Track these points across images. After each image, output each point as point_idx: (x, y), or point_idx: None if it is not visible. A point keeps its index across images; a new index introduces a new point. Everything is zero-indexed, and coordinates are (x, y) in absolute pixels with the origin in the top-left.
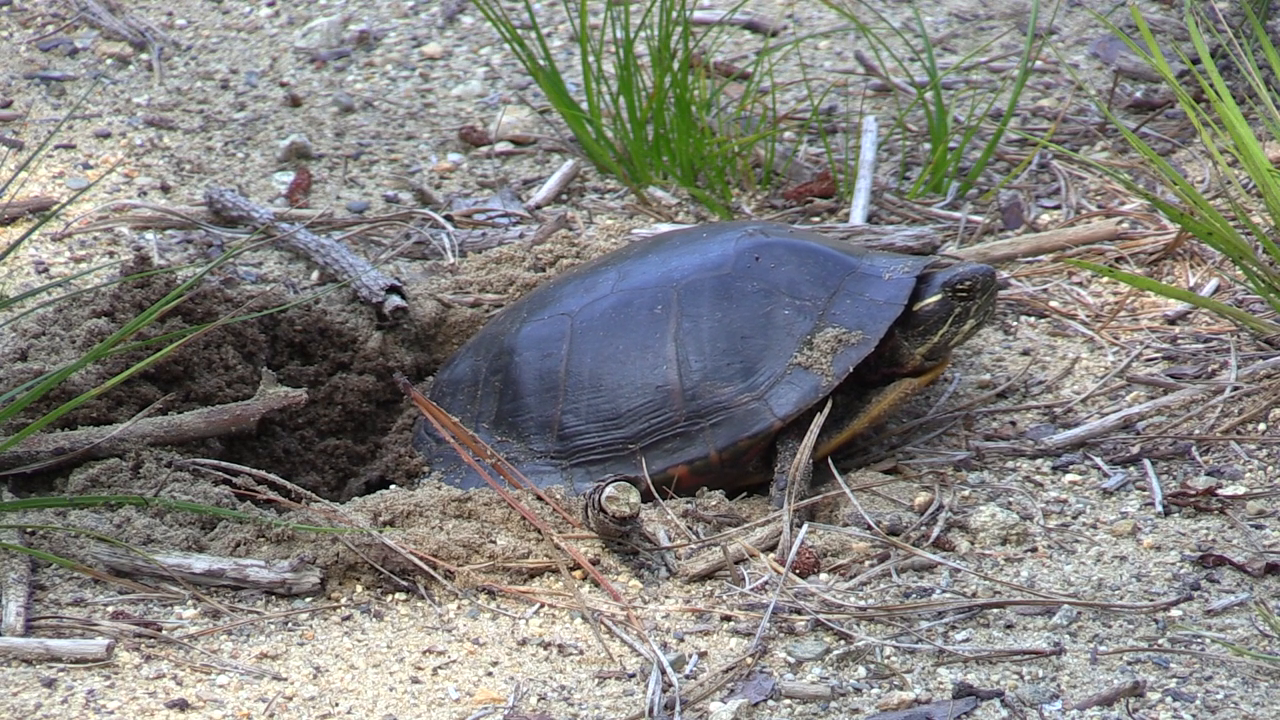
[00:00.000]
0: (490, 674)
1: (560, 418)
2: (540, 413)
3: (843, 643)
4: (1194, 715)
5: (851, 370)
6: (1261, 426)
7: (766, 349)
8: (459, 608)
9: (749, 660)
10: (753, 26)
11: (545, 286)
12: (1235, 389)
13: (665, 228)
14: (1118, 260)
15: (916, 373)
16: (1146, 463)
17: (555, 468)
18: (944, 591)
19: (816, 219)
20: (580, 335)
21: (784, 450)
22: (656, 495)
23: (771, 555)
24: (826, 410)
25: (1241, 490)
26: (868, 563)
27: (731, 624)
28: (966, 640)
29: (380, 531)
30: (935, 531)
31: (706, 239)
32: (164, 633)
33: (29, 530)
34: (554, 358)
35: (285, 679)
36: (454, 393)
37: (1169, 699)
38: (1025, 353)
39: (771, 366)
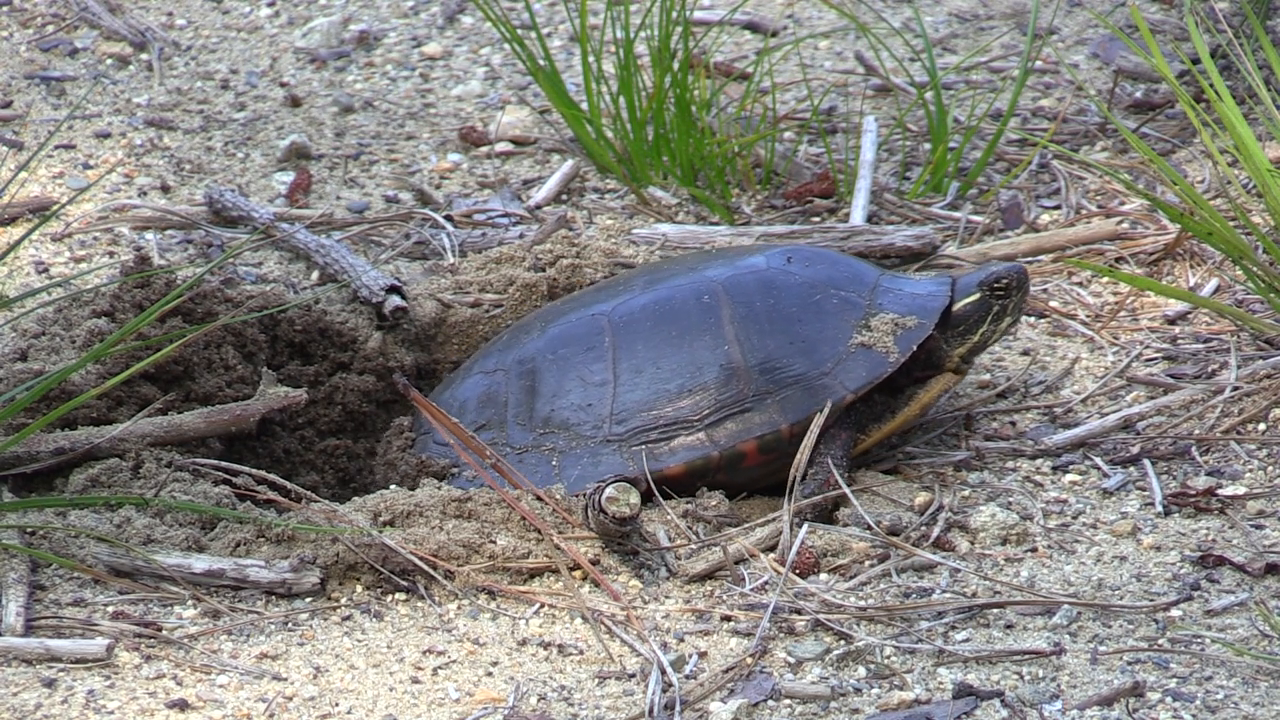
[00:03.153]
0: (490, 674)
1: (615, 402)
2: (589, 401)
3: (843, 643)
4: (1194, 715)
5: (915, 349)
6: (1261, 426)
7: (824, 330)
8: (459, 608)
9: (749, 660)
10: (753, 26)
11: (549, 306)
12: (1235, 389)
13: (665, 228)
14: (1118, 260)
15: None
16: (1146, 463)
17: (614, 450)
18: (944, 591)
19: (816, 219)
20: (623, 327)
21: (827, 446)
22: (657, 495)
23: (771, 555)
24: (827, 409)
25: (1241, 490)
26: (868, 563)
27: (731, 624)
28: (966, 640)
29: (380, 531)
30: (935, 531)
31: (724, 254)
32: (164, 633)
33: (29, 530)
34: (598, 349)
35: (285, 679)
36: (464, 406)
37: (1169, 699)
38: (1025, 353)
39: (833, 346)
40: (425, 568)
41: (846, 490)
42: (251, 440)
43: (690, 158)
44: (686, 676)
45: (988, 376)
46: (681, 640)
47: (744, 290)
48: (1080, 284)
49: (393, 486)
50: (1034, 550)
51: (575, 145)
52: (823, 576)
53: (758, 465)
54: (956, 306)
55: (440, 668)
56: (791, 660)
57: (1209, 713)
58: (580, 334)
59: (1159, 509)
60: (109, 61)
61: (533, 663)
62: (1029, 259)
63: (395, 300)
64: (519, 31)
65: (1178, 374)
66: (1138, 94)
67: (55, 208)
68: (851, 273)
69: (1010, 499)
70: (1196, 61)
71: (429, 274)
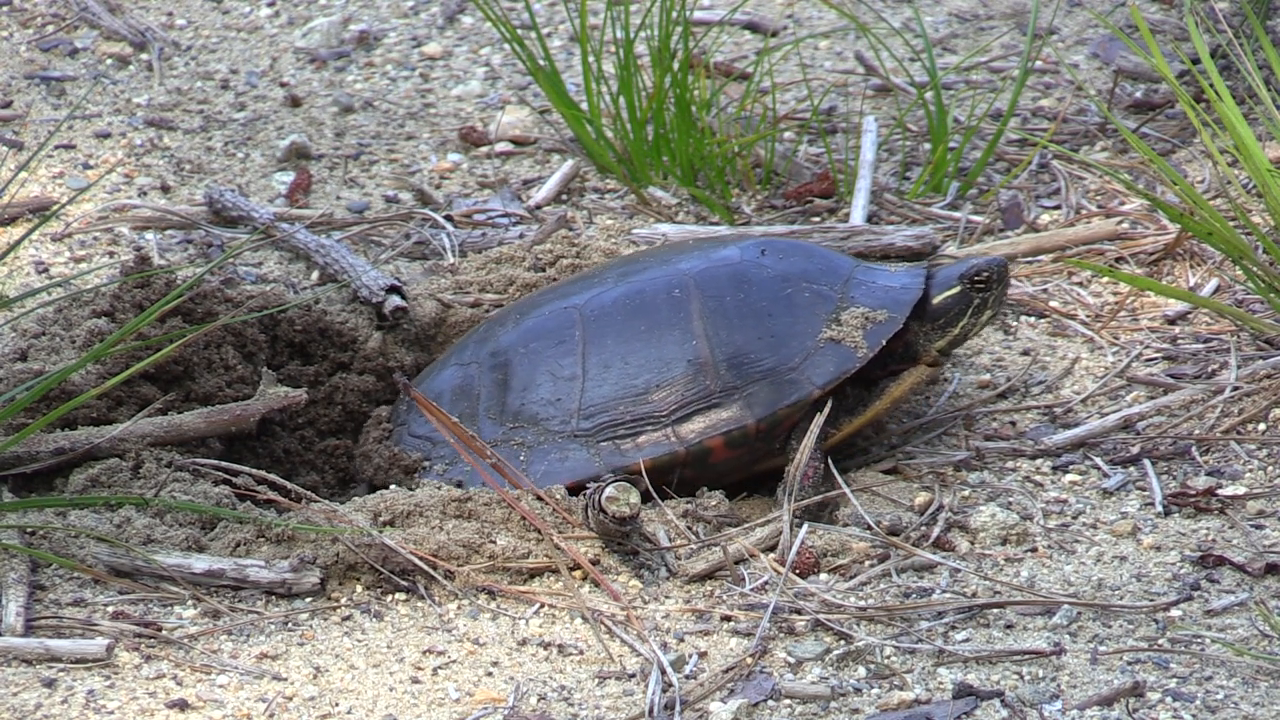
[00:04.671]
0: (490, 674)
1: (582, 397)
2: (558, 396)
3: (843, 643)
4: (1194, 715)
5: (884, 344)
6: (1261, 426)
7: (794, 324)
8: (459, 608)
9: (749, 660)
10: (753, 26)
11: (528, 297)
12: (1235, 389)
13: (665, 228)
14: (1118, 260)
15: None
16: (1146, 463)
17: (582, 446)
18: (944, 591)
19: (816, 219)
20: (594, 321)
21: (799, 439)
22: (656, 496)
23: (771, 555)
24: (827, 409)
25: (1241, 490)
26: (868, 563)
27: (731, 624)
28: (966, 640)
29: (380, 531)
30: (935, 531)
31: (701, 245)
32: (164, 633)
33: (29, 530)
34: (568, 343)
35: (285, 679)
36: (439, 397)
37: (1169, 699)
38: (1025, 353)
39: (802, 340)
40: (425, 568)
41: (846, 490)
42: (251, 440)
43: (690, 158)
44: (686, 676)
45: (988, 376)
46: (681, 640)
47: (715, 284)
48: (1080, 284)
49: (393, 487)
50: (1034, 550)
51: (575, 145)
52: (823, 576)
53: (725, 460)
54: (937, 299)
55: (440, 668)
56: (791, 660)
57: (1209, 713)
58: (552, 327)
59: (1159, 509)
60: (109, 61)
61: (533, 663)
62: (1029, 259)
63: (395, 300)
64: (519, 31)
65: (1178, 374)
66: (1138, 94)
67: (55, 208)
68: (826, 265)
69: (1010, 499)
70: (1196, 61)
71: (429, 274)
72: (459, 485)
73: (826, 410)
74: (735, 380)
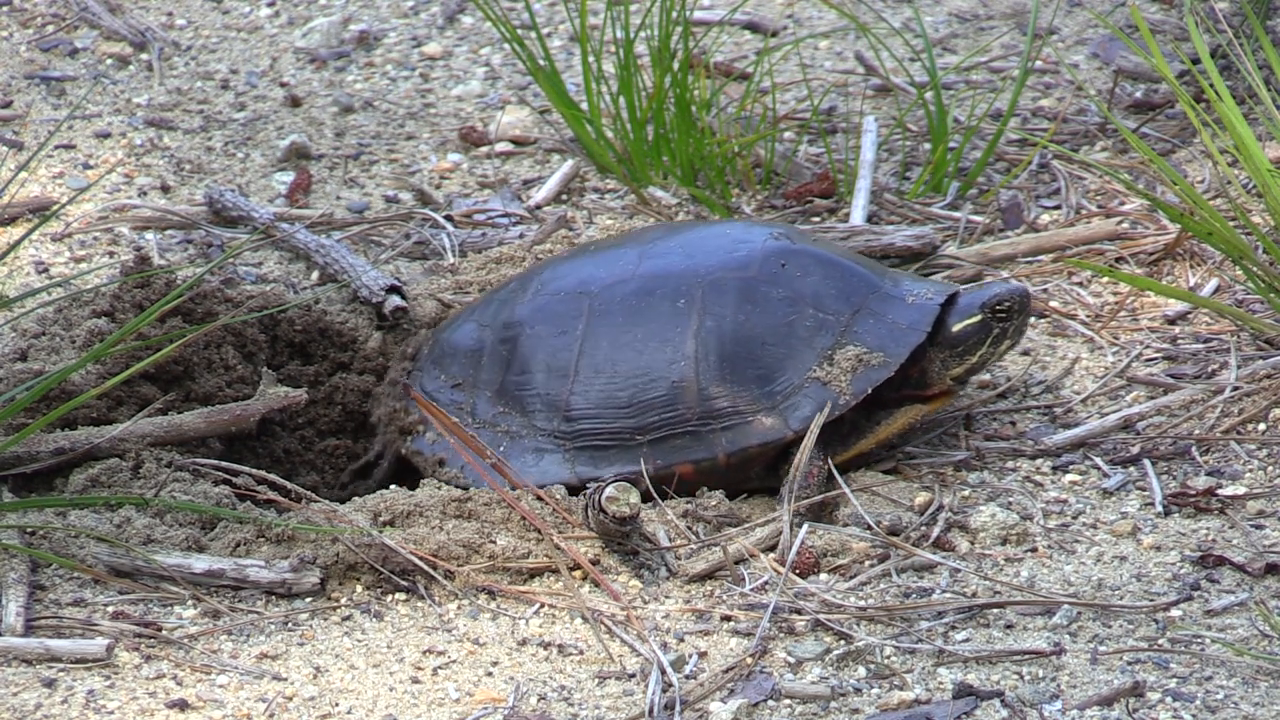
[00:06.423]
0: (490, 674)
1: (569, 398)
2: (548, 389)
3: (843, 643)
4: (1194, 715)
5: (869, 392)
6: (1261, 426)
7: (786, 359)
8: (459, 608)
9: (749, 660)
10: (753, 26)
11: (558, 260)
12: (1235, 389)
13: None
14: (1118, 260)
15: (928, 398)
16: (1146, 463)
17: (558, 448)
18: (944, 591)
19: (816, 219)
20: (598, 317)
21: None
22: (656, 496)
23: (771, 555)
24: (827, 410)
25: (1241, 490)
26: (868, 563)
27: (731, 624)
28: (966, 640)
29: (380, 531)
30: (935, 531)
31: (731, 234)
32: (164, 633)
33: (29, 530)
34: (569, 336)
35: (285, 679)
36: (454, 354)
37: (1169, 699)
38: (1025, 353)
39: (789, 377)
40: (425, 568)
41: (846, 490)
42: (251, 440)
43: (690, 158)
44: (686, 676)
45: (988, 376)
46: (681, 640)
47: (721, 299)
48: (1080, 284)
49: (393, 487)
50: (1034, 550)
51: (575, 145)
52: (823, 576)
53: (698, 483)
54: (956, 327)
55: (440, 668)
56: (791, 660)
57: (1209, 713)
58: (560, 313)
59: (1159, 509)
60: (109, 61)
61: (533, 663)
62: (1029, 259)
63: (395, 300)
64: (519, 31)
65: (1178, 374)
66: (1138, 94)
67: (55, 208)
68: (844, 285)
69: (1010, 499)
70: (1196, 61)
71: (429, 274)
72: (440, 462)
73: (827, 410)
74: (714, 409)
